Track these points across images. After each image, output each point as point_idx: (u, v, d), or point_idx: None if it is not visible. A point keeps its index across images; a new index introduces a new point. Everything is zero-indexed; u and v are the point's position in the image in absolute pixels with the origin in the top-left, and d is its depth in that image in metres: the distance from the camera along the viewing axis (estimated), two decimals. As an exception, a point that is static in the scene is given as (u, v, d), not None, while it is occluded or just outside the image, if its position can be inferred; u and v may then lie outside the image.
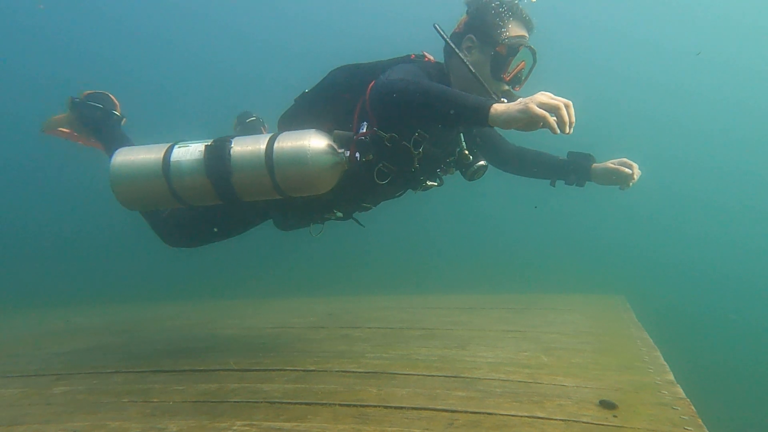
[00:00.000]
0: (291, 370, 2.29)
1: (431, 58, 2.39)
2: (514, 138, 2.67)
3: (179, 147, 2.16)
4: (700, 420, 1.62)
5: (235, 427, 1.62)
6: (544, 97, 1.75)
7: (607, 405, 1.75)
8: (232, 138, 2.12)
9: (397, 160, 2.21)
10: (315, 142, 2.04)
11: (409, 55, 2.36)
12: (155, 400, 1.93)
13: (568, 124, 1.72)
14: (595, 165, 2.63)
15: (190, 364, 2.50)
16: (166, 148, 2.17)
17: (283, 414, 1.73)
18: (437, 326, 3.44)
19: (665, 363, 2.34)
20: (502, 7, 2.23)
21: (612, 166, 2.56)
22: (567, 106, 1.73)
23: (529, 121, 1.74)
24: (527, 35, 2.28)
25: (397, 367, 2.32)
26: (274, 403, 1.85)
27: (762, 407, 6.25)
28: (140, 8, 15.54)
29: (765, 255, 11.17)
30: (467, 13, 2.32)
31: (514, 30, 2.23)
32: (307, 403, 1.83)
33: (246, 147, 2.08)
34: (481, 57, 2.24)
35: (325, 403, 1.82)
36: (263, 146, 2.05)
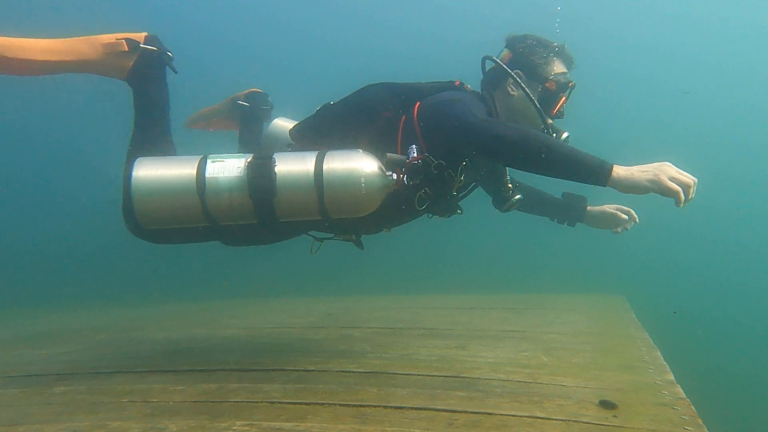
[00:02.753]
0: (291, 370, 2.29)
1: (468, 86, 2.39)
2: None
3: (213, 162, 2.00)
4: (700, 420, 1.62)
5: (235, 427, 1.62)
6: (673, 170, 1.81)
7: (607, 405, 1.75)
8: (273, 155, 2.03)
9: (438, 187, 2.20)
10: (367, 164, 1.99)
11: (452, 81, 2.35)
12: (155, 400, 1.93)
13: (689, 201, 1.80)
14: (589, 208, 2.72)
15: (190, 364, 2.50)
16: (197, 162, 2.00)
17: (283, 414, 1.73)
18: (437, 326, 3.44)
19: (665, 363, 2.34)
20: (550, 46, 2.33)
21: (609, 210, 2.66)
22: (695, 184, 1.80)
23: (657, 192, 1.80)
24: (568, 72, 2.38)
25: (397, 367, 2.32)
26: (274, 403, 1.85)
27: (762, 407, 6.25)
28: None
29: (765, 255, 11.17)
30: (510, 49, 2.38)
31: (558, 67, 2.34)
32: (307, 403, 1.83)
33: (293, 166, 1.99)
34: (529, 92, 2.30)
35: (325, 403, 1.82)
36: (311, 166, 1.97)
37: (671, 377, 2.09)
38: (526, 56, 2.33)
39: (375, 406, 1.78)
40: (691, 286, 10.57)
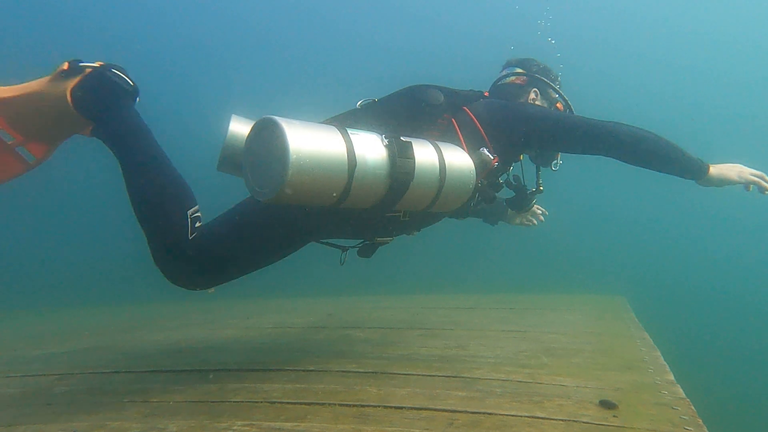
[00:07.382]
0: (291, 370, 2.29)
1: None
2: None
3: (353, 134, 1.75)
4: (700, 420, 1.62)
5: (235, 427, 1.62)
6: (747, 168, 2.29)
7: (607, 405, 1.75)
8: (401, 136, 1.87)
9: (491, 188, 2.24)
10: (471, 160, 2.00)
11: (482, 92, 2.44)
12: (155, 400, 1.93)
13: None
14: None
15: (190, 364, 2.50)
16: (339, 134, 1.71)
17: (283, 414, 1.73)
18: (437, 326, 3.44)
19: (665, 363, 2.34)
20: (554, 71, 2.66)
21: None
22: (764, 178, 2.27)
23: (743, 183, 2.26)
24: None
25: (397, 367, 2.32)
26: (274, 403, 1.85)
27: (762, 407, 6.25)
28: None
29: (766, 253, 11.17)
30: (524, 68, 2.61)
31: (556, 92, 2.60)
32: (307, 403, 1.83)
33: (425, 153, 1.87)
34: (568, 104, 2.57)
35: (325, 403, 1.82)
36: (435, 155, 1.90)
37: (671, 377, 2.09)
38: (541, 77, 2.56)
39: (375, 406, 1.78)
40: (692, 285, 10.57)
